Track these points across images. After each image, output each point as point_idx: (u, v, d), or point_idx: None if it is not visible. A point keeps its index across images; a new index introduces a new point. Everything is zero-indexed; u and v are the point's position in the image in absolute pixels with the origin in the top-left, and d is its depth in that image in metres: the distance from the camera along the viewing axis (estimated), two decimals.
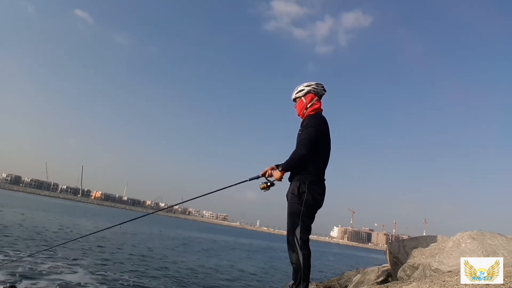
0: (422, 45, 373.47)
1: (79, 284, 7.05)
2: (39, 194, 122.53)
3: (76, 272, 8.10)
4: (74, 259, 9.25)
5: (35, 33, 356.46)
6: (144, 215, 4.14)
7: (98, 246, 12.65)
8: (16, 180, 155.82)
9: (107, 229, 3.81)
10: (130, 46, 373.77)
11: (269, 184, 2.85)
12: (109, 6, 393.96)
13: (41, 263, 8.12)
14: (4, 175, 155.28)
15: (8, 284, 5.47)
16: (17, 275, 6.76)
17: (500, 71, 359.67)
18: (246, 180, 2.97)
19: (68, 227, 19.64)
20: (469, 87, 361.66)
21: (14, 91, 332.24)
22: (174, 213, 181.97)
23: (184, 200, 3.69)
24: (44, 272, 7.40)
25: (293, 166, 2.81)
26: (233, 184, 3.11)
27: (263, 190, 2.86)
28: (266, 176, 2.89)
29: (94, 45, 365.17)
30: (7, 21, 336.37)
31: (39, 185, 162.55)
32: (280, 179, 2.82)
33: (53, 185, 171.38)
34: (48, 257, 8.82)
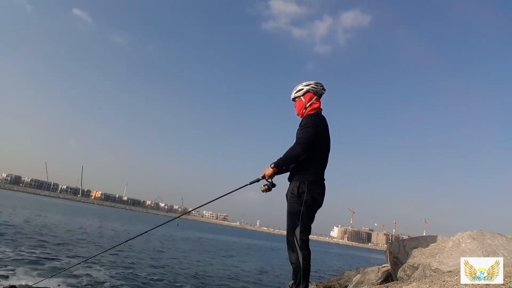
0: (421, 45, 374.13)
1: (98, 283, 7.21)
2: (39, 194, 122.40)
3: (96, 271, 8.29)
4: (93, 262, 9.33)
5: (34, 32, 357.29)
6: (172, 219, 4.34)
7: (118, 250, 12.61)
8: (16, 180, 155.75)
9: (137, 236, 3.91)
10: (129, 45, 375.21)
11: (270, 185, 2.84)
12: (108, 5, 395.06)
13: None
14: (4, 175, 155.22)
15: (8, 284, 5.47)
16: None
17: (500, 71, 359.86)
18: (247, 184, 2.97)
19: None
20: (469, 87, 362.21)
21: (14, 91, 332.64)
22: (188, 214, 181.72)
23: (201, 204, 3.70)
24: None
25: (286, 164, 2.79)
26: (235, 189, 3.15)
27: (264, 192, 2.85)
28: (266, 177, 2.88)
29: (93, 45, 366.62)
30: (6, 20, 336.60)
31: (39, 185, 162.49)
32: (271, 176, 2.79)
33: (53, 185, 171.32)
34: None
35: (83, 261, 7.19)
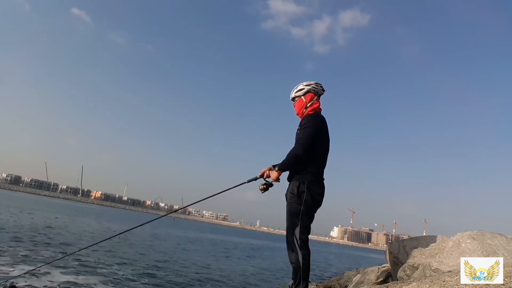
0: (420, 44, 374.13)
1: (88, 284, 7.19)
2: (39, 194, 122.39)
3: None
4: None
5: (33, 31, 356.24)
6: (160, 217, 4.44)
7: (111, 249, 12.59)
8: (16, 180, 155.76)
9: (129, 230, 3.95)
10: (127, 45, 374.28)
11: (267, 185, 2.84)
12: (106, 4, 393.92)
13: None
14: (4, 175, 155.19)
15: (8, 284, 5.46)
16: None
17: (500, 71, 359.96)
18: (245, 182, 2.97)
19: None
20: (469, 87, 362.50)
21: (13, 91, 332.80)
22: (188, 214, 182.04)
23: (197, 200, 3.73)
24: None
25: (289, 166, 2.80)
26: (232, 186, 3.13)
27: (262, 191, 2.85)
28: (264, 177, 2.88)
29: (92, 44, 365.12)
30: (4, 20, 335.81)
31: (39, 185, 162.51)
32: (277, 179, 2.80)
33: (53, 185, 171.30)
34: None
35: (74, 252, 7.18)
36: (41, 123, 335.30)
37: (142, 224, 3.89)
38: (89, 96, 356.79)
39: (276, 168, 2.79)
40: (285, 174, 2.93)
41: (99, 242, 4.70)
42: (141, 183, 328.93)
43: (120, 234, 4.03)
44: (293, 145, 2.81)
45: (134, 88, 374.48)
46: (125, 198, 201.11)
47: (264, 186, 2.82)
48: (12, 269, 7.05)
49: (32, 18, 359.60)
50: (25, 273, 6.19)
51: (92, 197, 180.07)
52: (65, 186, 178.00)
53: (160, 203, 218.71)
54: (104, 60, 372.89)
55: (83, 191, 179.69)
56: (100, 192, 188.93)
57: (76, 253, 8.07)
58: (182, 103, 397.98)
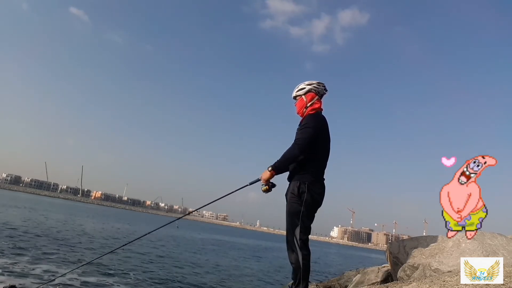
0: (419, 43, 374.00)
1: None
2: (39, 194, 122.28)
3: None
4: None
5: (31, 31, 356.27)
6: (174, 220, 4.36)
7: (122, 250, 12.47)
8: (16, 180, 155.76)
9: (146, 234, 3.90)
10: (126, 44, 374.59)
11: (270, 185, 2.83)
12: (105, 4, 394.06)
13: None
14: (4, 175, 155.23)
15: (8, 284, 5.47)
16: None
17: (500, 71, 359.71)
18: (247, 185, 2.96)
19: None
20: (468, 86, 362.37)
21: (12, 91, 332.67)
22: (189, 214, 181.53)
23: (202, 205, 3.73)
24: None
25: (283, 166, 2.77)
26: (235, 190, 3.13)
27: (265, 192, 2.83)
28: (263, 182, 2.84)
29: (90, 44, 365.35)
30: (2, 19, 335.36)
31: (39, 185, 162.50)
32: (267, 180, 2.75)
33: (53, 185, 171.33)
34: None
35: (84, 264, 7.09)
36: (41, 123, 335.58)
37: (162, 226, 3.83)
38: (89, 96, 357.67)
39: (269, 168, 2.74)
40: (285, 174, 2.92)
41: (123, 246, 4.54)
42: (141, 183, 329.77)
43: (140, 237, 3.98)
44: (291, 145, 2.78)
45: (134, 88, 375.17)
46: (125, 198, 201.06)
47: (267, 187, 2.81)
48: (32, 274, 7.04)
49: (30, 17, 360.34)
50: (51, 280, 6.16)
51: (92, 197, 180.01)
52: (65, 186, 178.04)
53: (160, 203, 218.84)
54: (103, 59, 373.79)
55: (83, 191, 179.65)
56: (100, 192, 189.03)
57: (98, 258, 8.00)
58: (182, 103, 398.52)
